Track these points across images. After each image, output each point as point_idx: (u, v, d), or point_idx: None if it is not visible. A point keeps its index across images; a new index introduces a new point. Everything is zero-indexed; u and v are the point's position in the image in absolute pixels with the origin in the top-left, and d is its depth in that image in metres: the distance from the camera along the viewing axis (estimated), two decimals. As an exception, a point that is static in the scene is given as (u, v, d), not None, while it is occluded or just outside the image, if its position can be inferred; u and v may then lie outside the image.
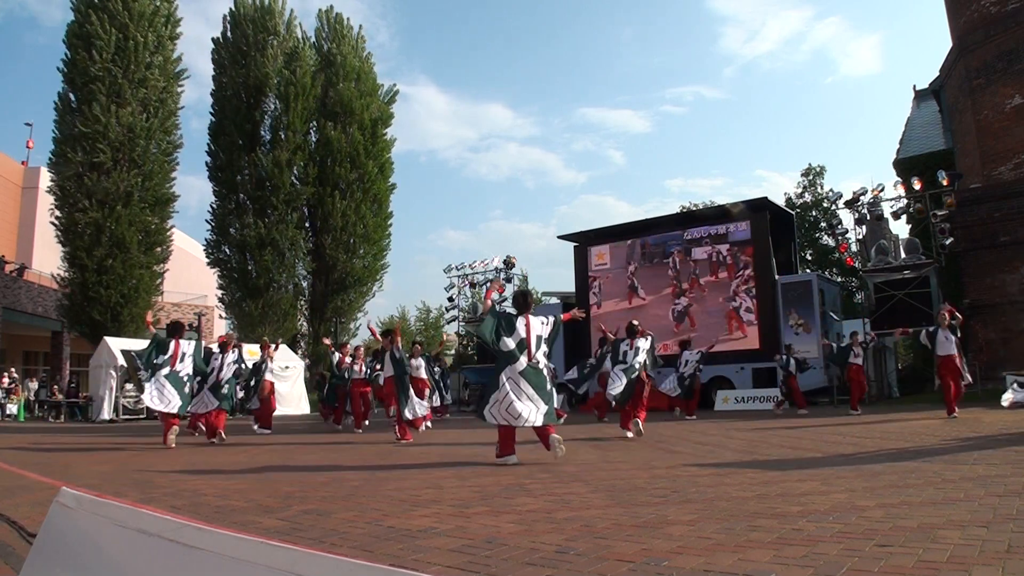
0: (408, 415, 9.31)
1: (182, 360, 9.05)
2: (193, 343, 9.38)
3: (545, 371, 6.23)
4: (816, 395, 16.83)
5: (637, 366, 9.00)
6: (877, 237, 16.83)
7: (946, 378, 9.93)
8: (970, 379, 10.21)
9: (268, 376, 12.19)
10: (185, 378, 9.09)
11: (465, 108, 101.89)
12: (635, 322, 9.53)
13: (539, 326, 6.25)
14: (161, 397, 8.76)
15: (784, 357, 14.36)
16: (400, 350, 9.69)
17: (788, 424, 9.93)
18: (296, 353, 23.50)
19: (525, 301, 6.42)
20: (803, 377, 14.47)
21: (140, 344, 19.47)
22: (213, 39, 27.04)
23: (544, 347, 6.24)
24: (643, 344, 9.20)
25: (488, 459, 6.25)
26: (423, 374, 12.33)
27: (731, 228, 18.47)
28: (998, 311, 16.17)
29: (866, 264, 16.90)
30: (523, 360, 6.08)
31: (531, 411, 5.93)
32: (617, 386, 8.92)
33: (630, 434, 8.61)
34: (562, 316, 6.67)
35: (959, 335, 10.13)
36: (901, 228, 19.48)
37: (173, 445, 8.62)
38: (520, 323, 6.19)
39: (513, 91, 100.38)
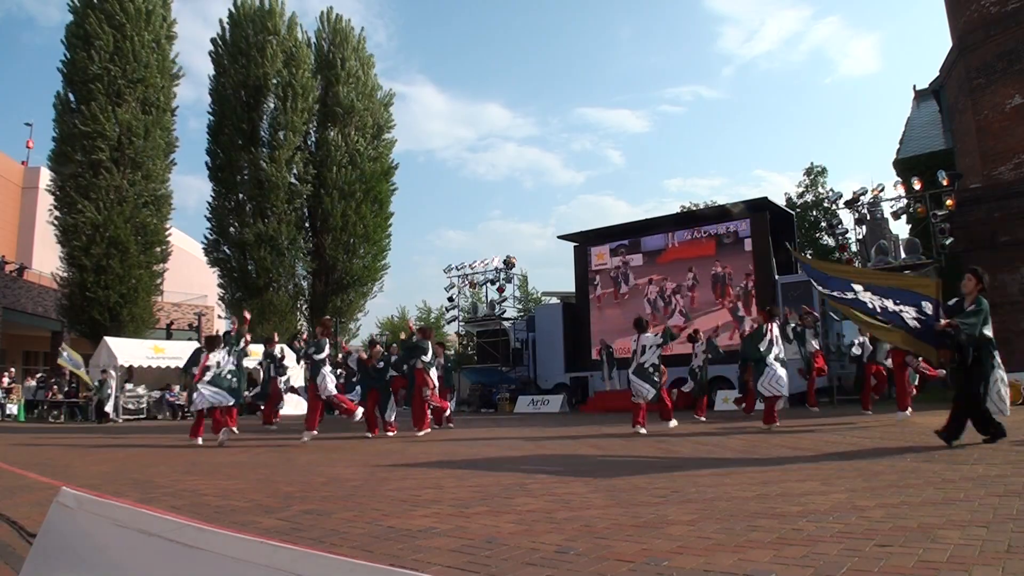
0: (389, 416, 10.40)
1: None
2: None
3: (651, 370, 9.14)
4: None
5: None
6: (877, 237, 16.81)
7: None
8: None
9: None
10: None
11: (463, 108, 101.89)
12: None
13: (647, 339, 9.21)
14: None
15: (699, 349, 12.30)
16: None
17: (788, 424, 9.92)
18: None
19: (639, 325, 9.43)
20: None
21: (137, 344, 19.51)
22: (212, 39, 27.11)
23: (648, 353, 9.16)
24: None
25: (487, 459, 6.26)
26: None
27: (731, 228, 18.47)
28: (998, 311, 16.08)
29: (866, 264, 16.89)
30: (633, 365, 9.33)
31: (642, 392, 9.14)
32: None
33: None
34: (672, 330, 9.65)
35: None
36: (901, 228, 19.49)
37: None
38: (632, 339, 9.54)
39: (511, 91, 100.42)
